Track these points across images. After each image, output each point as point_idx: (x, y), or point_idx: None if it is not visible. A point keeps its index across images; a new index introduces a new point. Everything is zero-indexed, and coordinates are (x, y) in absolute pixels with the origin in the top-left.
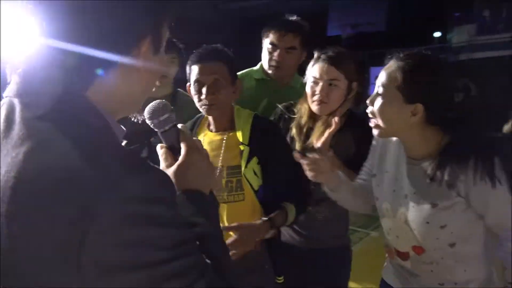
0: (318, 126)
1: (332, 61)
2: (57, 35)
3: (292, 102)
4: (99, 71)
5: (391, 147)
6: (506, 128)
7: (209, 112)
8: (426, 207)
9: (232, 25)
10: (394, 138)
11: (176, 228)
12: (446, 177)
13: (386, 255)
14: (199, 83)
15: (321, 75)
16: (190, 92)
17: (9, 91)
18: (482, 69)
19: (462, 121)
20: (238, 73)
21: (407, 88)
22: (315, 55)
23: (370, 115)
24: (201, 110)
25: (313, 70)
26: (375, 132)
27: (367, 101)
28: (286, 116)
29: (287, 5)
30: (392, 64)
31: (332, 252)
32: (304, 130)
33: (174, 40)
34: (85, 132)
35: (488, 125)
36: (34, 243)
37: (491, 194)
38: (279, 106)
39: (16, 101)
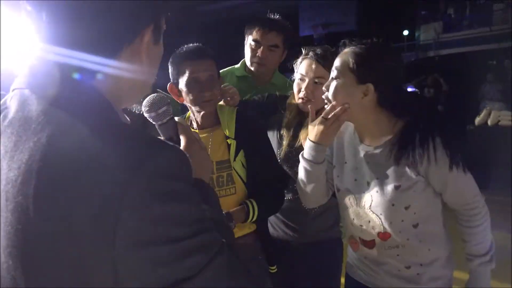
0: (306, 125)
1: (319, 59)
2: (58, 24)
3: (289, 94)
4: (104, 59)
5: (346, 137)
6: (477, 120)
7: (207, 108)
8: (390, 189)
9: (204, 26)
10: (349, 128)
11: (195, 204)
12: (407, 158)
13: (349, 248)
14: (196, 79)
15: (307, 72)
16: (172, 92)
17: (19, 83)
18: (449, 65)
19: (412, 107)
20: (220, 71)
21: (358, 69)
22: (304, 51)
23: (325, 101)
24: (194, 107)
25: (301, 67)
26: None
27: (323, 88)
28: (280, 110)
29: (258, 7)
30: (346, 50)
31: (325, 245)
32: (293, 127)
33: None
34: (101, 118)
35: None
36: (68, 223)
37: (449, 173)
38: (277, 93)
39: (27, 92)
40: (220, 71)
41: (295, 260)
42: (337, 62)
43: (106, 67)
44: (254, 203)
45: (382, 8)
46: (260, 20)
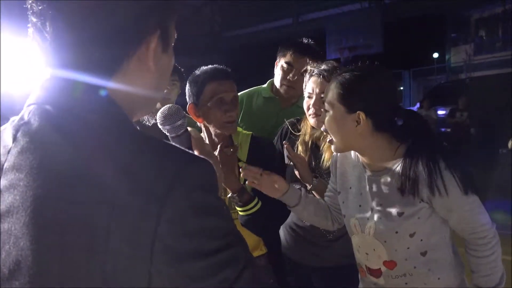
0: (326, 142)
1: (324, 75)
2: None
3: (298, 118)
4: (111, 68)
5: (350, 163)
6: (510, 144)
7: (231, 129)
8: (393, 216)
9: (233, 50)
10: (352, 154)
11: (225, 217)
12: (409, 185)
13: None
14: (222, 99)
15: (313, 89)
16: (190, 111)
17: (35, 98)
18: (481, 87)
19: (412, 128)
20: (247, 90)
21: (346, 99)
22: (309, 70)
23: (324, 133)
24: (216, 128)
25: (308, 86)
26: (332, 148)
27: (320, 119)
28: (292, 137)
29: (286, 32)
30: (332, 81)
31: (344, 270)
32: (309, 146)
33: (175, 63)
34: (125, 130)
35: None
36: (102, 238)
37: (454, 199)
38: (286, 121)
39: (48, 107)
40: (247, 90)
41: (314, 284)
42: (327, 95)
43: (114, 78)
44: (259, 201)
45: (410, 31)
46: (295, 44)
